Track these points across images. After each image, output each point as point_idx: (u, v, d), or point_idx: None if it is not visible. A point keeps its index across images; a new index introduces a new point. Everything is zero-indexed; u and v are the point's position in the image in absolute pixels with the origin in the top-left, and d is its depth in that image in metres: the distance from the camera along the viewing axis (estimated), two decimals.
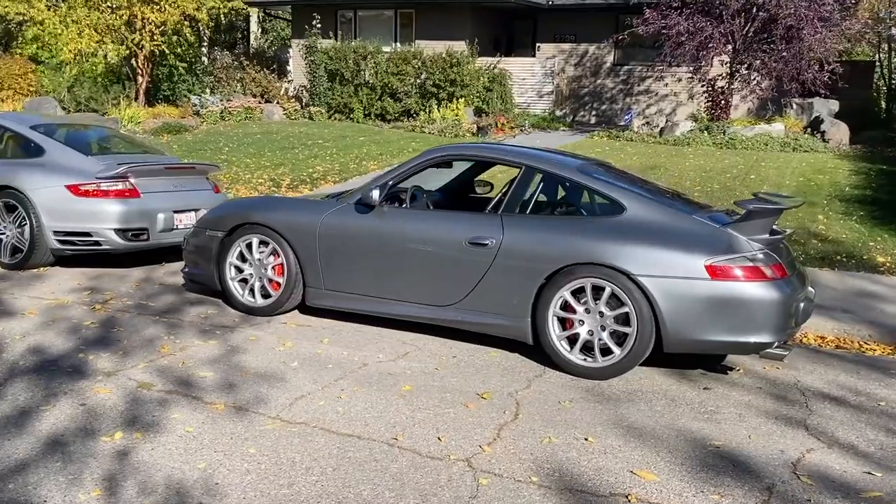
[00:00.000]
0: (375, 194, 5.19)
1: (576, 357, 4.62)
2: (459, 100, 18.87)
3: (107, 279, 6.55)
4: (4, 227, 6.72)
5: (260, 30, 28.45)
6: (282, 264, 5.48)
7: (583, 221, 4.82)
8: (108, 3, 19.46)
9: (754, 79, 16.29)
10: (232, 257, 5.66)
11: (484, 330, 4.96)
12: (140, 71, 20.70)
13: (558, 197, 4.98)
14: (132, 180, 6.70)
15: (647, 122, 17.24)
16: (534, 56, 22.33)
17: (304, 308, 5.57)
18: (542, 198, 5.03)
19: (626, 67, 21.67)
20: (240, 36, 28.43)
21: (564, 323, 4.68)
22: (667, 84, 20.07)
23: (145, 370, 4.42)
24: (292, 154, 13.99)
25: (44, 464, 3.28)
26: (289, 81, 22.97)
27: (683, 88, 19.99)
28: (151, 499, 3.04)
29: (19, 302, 5.72)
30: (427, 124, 18.27)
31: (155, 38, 19.57)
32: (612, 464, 3.48)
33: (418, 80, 19.57)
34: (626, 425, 3.92)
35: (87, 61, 20.97)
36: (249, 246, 5.59)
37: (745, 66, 16.09)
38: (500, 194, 5.28)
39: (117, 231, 6.57)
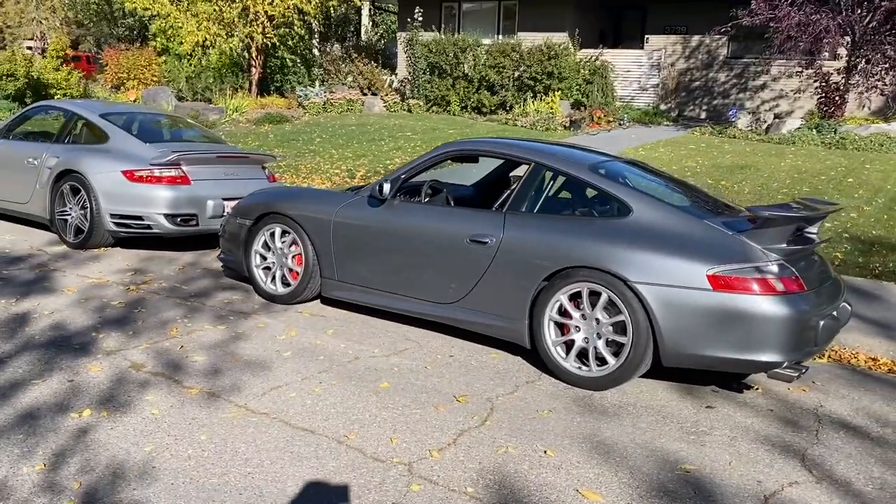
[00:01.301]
0: (386, 188, 5.15)
1: (570, 364, 4.41)
2: (555, 93, 18.50)
3: (156, 262, 6.86)
4: (70, 208, 7.16)
5: (371, 23, 28.98)
6: (300, 254, 5.55)
7: (585, 222, 4.58)
8: None
9: (876, 74, 15.02)
10: (257, 245, 5.78)
11: (483, 330, 4.82)
12: (253, 63, 21.58)
13: (565, 196, 4.76)
14: (184, 167, 6.97)
15: (756, 119, 16.25)
16: (642, 48, 21.60)
17: (329, 299, 5.60)
18: (549, 196, 4.82)
19: (741, 61, 20.56)
20: (352, 29, 29.11)
21: (562, 328, 4.48)
22: (776, 79, 18.87)
23: (144, 351, 4.58)
24: (377, 146, 14.17)
25: (8, 435, 3.46)
26: (394, 74, 23.32)
27: (795, 84, 18.73)
28: (87, 477, 3.14)
29: (66, 279, 6.09)
30: (520, 117, 18.06)
31: (266, 30, 20.31)
32: (561, 480, 3.29)
33: (516, 73, 19.35)
34: (598, 440, 3.70)
35: (205, 54, 22.05)
36: (273, 235, 5.70)
37: (865, 60, 14.85)
38: (508, 191, 5.11)
39: (167, 216, 6.86)
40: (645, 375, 4.49)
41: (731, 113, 17.09)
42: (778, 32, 14.36)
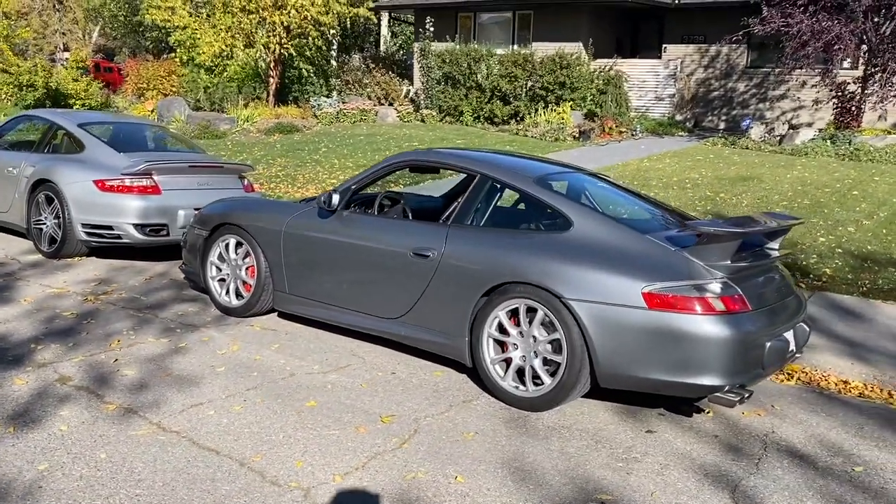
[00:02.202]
0: (335, 199, 5.03)
1: (508, 384, 4.23)
2: (566, 103, 18.29)
3: (125, 272, 6.82)
4: (45, 217, 7.16)
5: (390, 34, 29.03)
6: (254, 266, 5.45)
7: (525, 236, 4.40)
8: (240, 5, 20.41)
9: (894, 83, 14.56)
10: (213, 256, 5.69)
11: (427, 347, 4.66)
12: (271, 73, 21.69)
13: (509, 208, 4.58)
14: (155, 177, 6.93)
15: (770, 130, 15.87)
16: (659, 58, 21.29)
17: (286, 312, 5.47)
18: (492, 209, 4.65)
19: (761, 70, 20.14)
20: (372, 40, 29.18)
21: (502, 346, 4.30)
22: (796, 89, 18.44)
23: (77, 364, 4.50)
24: (381, 156, 14.07)
25: None
26: (410, 84, 23.29)
27: (810, 94, 18.28)
28: None
29: (27, 289, 6.06)
30: (531, 128, 17.87)
31: (283, 41, 20.39)
32: None
33: (528, 83, 19.18)
34: (517, 465, 3.52)
35: (219, 65, 22.22)
36: (227, 246, 5.61)
37: (882, 69, 14.42)
38: (455, 203, 4.96)
39: (136, 226, 6.82)
40: (592, 396, 4.29)
41: (744, 123, 16.72)
42: (790, 39, 13.99)
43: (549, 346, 4.10)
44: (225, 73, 22.85)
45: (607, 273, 3.95)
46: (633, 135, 18.00)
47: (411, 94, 22.51)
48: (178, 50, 22.44)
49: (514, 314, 4.22)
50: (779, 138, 15.43)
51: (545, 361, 4.12)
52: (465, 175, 5.13)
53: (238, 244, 5.55)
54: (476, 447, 3.69)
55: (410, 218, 5.19)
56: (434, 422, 3.96)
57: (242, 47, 21.08)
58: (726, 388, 3.82)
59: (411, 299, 4.61)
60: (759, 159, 13.36)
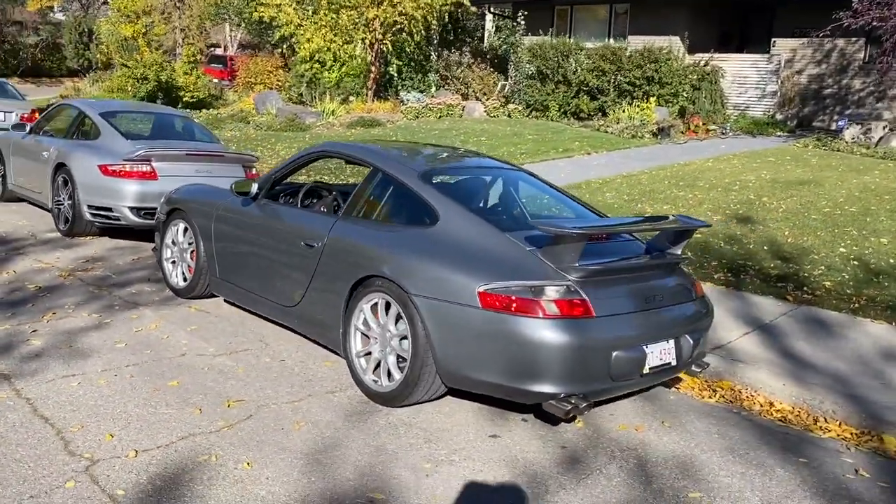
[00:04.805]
0: (254, 188, 5.15)
1: (369, 377, 4.19)
2: (654, 99, 17.57)
3: (121, 252, 7.27)
4: (62, 199, 7.76)
5: (494, 28, 28.94)
6: (195, 250, 5.67)
7: (394, 230, 4.32)
8: (341, 2, 20.95)
9: None
10: (168, 239, 5.98)
11: (314, 337, 4.69)
12: (372, 69, 22.19)
13: (392, 201, 4.49)
14: (154, 163, 7.34)
15: (866, 131, 14.55)
16: (768, 52, 20.00)
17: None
18: (377, 200, 4.57)
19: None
20: (479, 35, 29.20)
21: (367, 339, 4.26)
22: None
23: None
24: None
25: None
26: (506, 80, 23.15)
27: None
28: None
29: (19, 262, 6.60)
30: (613, 123, 17.32)
31: (380, 37, 20.77)
32: (229, 492, 3.13)
33: (616, 78, 18.59)
34: (320, 457, 3.49)
35: (322, 60, 22.96)
36: (178, 230, 5.87)
37: None
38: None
39: (132, 209, 7.26)
40: (473, 398, 4.16)
41: (839, 124, 15.42)
42: (887, 33, 12.76)
43: (400, 342, 4.02)
44: (323, 69, 23.62)
45: (451, 270, 3.83)
46: (722, 133, 17.04)
47: (506, 89, 22.38)
48: (282, 46, 23.42)
49: (375, 308, 4.17)
50: (876, 140, 14.12)
51: (399, 357, 4.05)
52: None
53: (185, 229, 5.79)
54: (296, 437, 3.69)
55: (324, 210, 5.21)
56: (276, 409, 3.99)
57: (341, 44, 21.69)
58: (561, 396, 3.61)
59: (302, 289, 4.65)
60: (838, 162, 12.29)
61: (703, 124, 17.09)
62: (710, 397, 4.68)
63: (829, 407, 4.43)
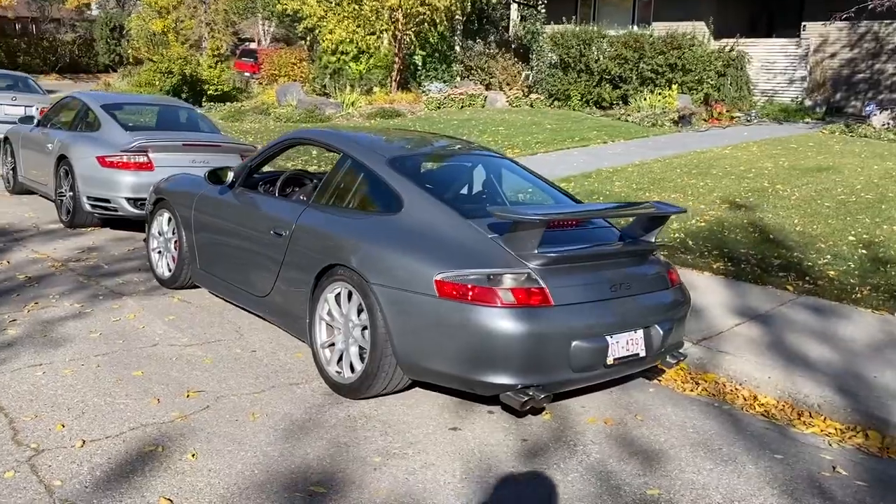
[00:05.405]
0: (230, 176, 5.10)
1: (333, 368, 4.11)
2: (673, 86, 17.21)
3: (116, 242, 7.30)
4: (64, 190, 7.82)
5: (519, 18, 28.63)
6: (177, 240, 5.65)
7: (358, 218, 4.22)
8: None
9: None
10: (154, 229, 5.97)
11: (284, 327, 4.63)
12: (395, 60, 22.10)
13: (360, 188, 4.39)
14: (150, 154, 7.35)
15: (895, 116, 14.05)
16: (798, 36, 19.47)
17: None
18: (345, 188, 4.47)
19: None
20: (504, 25, 28.93)
21: (331, 329, 4.18)
22: None
23: None
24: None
25: None
26: (530, 69, 22.89)
27: None
28: None
29: (16, 253, 6.66)
30: (633, 112, 17.01)
31: (402, 28, 20.65)
32: (153, 483, 3.08)
33: (638, 66, 18.24)
34: (267, 450, 3.41)
35: (345, 52, 22.94)
36: (162, 220, 5.85)
37: None
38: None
39: (128, 200, 7.28)
40: (442, 390, 4.06)
41: (867, 109, 14.94)
42: None
43: (362, 333, 3.93)
44: (350, 60, 23.58)
45: (410, 258, 3.73)
46: (747, 121, 16.62)
47: (530, 78, 22.13)
48: (308, 38, 23.43)
49: (339, 298, 4.09)
50: None
51: (361, 348, 3.96)
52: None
53: (169, 219, 5.77)
54: (248, 429, 3.62)
55: (304, 198, 5.14)
56: (235, 400, 3.93)
57: (363, 35, 21.63)
58: (518, 388, 3.49)
59: (272, 278, 4.59)
60: (861, 148, 11.89)
61: (727, 111, 16.70)
62: (691, 390, 4.51)
63: (814, 401, 4.24)
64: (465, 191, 4.63)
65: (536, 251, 3.55)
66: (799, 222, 7.49)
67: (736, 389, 4.50)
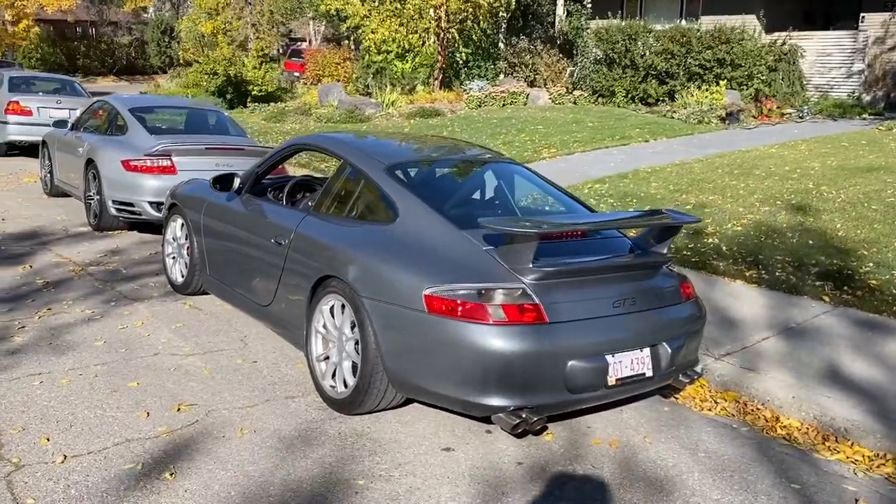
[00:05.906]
0: (236, 183, 5.02)
1: (327, 382, 3.98)
2: (721, 82, 16.65)
3: (140, 246, 7.32)
4: (92, 193, 7.89)
5: (565, 13, 28.20)
6: (189, 245, 5.61)
7: (354, 227, 4.07)
8: None
9: None
10: (168, 235, 5.94)
11: (285, 337, 4.52)
12: (438, 58, 21.96)
13: (359, 196, 4.23)
14: (173, 158, 7.35)
15: None
16: (855, 28, 18.65)
17: None
18: (344, 196, 4.32)
19: None
20: (550, 21, 28.53)
21: (327, 343, 4.05)
22: None
23: None
24: (493, 140, 13.79)
25: None
26: (574, 65, 22.50)
27: None
28: None
29: (41, 256, 6.72)
30: (680, 109, 16.50)
31: (445, 26, 20.45)
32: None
33: (686, 61, 17.71)
34: (247, 469, 3.30)
35: (389, 51, 22.88)
36: (176, 226, 5.82)
37: None
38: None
39: (151, 203, 7.29)
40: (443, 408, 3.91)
41: None
42: None
43: (355, 347, 3.79)
44: (395, 59, 23.52)
45: (402, 271, 3.57)
46: (799, 117, 15.97)
47: (574, 74, 21.75)
48: (351, 38, 23.47)
49: (333, 310, 3.96)
50: None
51: (353, 363, 3.82)
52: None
53: (182, 225, 5.73)
54: (233, 446, 3.52)
55: (311, 205, 5.02)
56: (225, 415, 3.83)
57: (406, 34, 21.54)
58: (511, 409, 3.30)
59: (274, 287, 4.48)
60: None
61: (778, 108, 16.08)
62: (710, 409, 4.25)
63: (841, 424, 3.94)
64: (467, 200, 4.45)
65: (531, 265, 3.35)
66: (842, 227, 7.09)
67: (757, 409, 4.22)
